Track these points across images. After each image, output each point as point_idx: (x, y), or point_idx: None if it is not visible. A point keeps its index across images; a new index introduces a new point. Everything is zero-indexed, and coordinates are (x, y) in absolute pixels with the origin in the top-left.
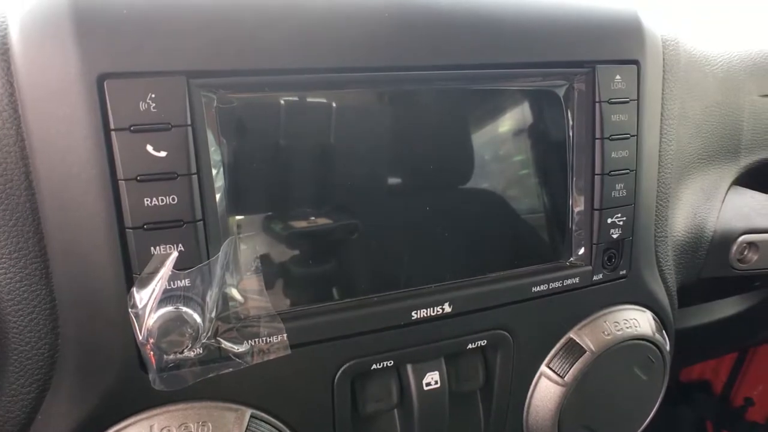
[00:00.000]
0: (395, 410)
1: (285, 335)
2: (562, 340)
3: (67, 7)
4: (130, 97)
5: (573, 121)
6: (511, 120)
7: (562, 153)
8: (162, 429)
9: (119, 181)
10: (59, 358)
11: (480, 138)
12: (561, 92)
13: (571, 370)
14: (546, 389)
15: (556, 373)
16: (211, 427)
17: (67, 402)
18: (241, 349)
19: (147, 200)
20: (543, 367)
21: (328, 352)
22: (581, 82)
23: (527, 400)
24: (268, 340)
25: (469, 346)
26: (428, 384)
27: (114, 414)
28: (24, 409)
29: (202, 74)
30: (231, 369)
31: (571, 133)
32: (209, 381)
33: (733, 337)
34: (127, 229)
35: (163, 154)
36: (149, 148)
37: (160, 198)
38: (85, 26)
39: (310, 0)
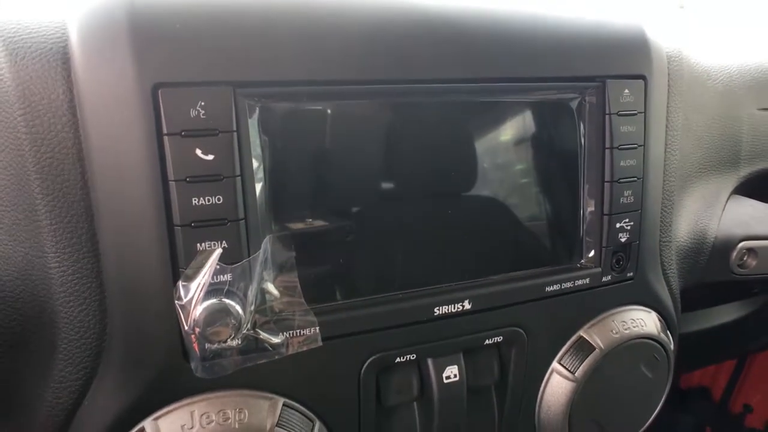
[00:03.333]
0: (415, 402)
1: (317, 328)
2: (573, 338)
3: (125, 22)
4: (182, 104)
5: (585, 131)
6: (527, 130)
7: (575, 162)
8: (202, 415)
9: (170, 182)
10: (106, 348)
11: (499, 148)
12: (574, 104)
13: (582, 366)
14: (557, 384)
15: (567, 369)
16: (247, 414)
17: (113, 389)
18: (277, 341)
19: (195, 200)
20: (555, 364)
21: (356, 345)
22: (592, 95)
23: (539, 395)
24: (302, 332)
25: (486, 341)
26: (448, 377)
27: (157, 400)
28: (72, 395)
29: (246, 84)
30: (267, 359)
31: (583, 143)
32: (245, 371)
33: (732, 343)
34: (175, 227)
35: (210, 157)
36: (198, 151)
37: (206, 198)
38: (142, 39)
39: (348, 15)
